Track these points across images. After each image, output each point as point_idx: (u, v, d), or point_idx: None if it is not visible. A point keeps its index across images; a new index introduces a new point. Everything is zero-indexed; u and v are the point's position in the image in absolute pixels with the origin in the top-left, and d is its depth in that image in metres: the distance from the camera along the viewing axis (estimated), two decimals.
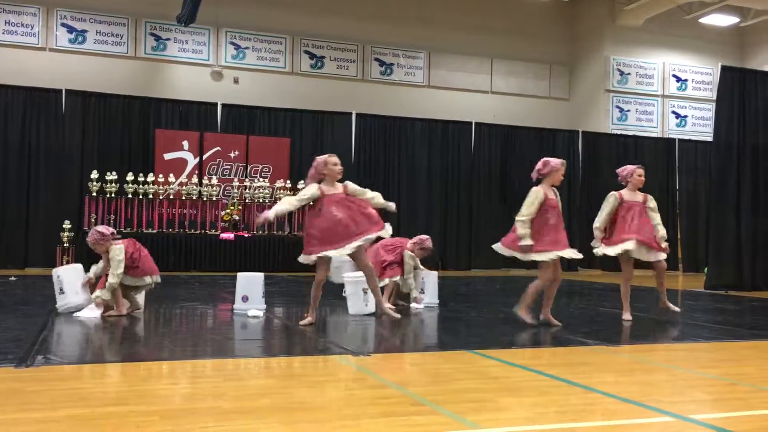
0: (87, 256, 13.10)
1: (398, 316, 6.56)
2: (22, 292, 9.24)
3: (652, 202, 7.18)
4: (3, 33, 15.15)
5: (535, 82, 19.20)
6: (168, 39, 16.20)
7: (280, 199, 14.51)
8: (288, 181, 14.80)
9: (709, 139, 14.64)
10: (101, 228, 6.87)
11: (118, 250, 6.64)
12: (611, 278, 14.40)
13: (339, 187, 6.27)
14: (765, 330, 6.73)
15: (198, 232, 13.96)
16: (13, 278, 11.10)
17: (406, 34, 17.98)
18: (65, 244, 13.37)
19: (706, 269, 12.18)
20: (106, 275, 6.68)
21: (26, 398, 3.52)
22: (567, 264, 16.85)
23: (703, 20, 19.22)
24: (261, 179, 14.79)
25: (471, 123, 17.25)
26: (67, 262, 13.30)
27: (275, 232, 14.48)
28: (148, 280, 6.90)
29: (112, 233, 6.83)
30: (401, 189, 16.41)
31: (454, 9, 18.23)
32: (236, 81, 16.63)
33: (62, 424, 3.07)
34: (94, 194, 13.47)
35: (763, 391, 4.05)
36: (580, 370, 4.52)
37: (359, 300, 6.95)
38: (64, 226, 13.39)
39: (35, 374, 4.06)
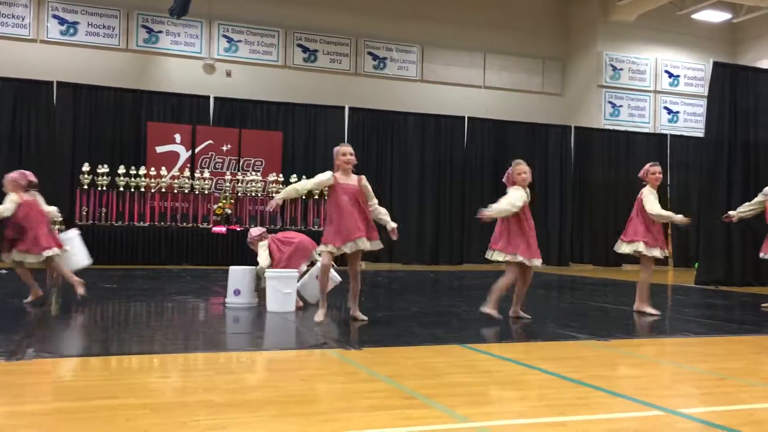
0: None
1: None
2: (13, 285, 9.20)
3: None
4: None
5: (527, 77, 19.21)
6: (160, 31, 16.12)
7: (274, 192, 14.56)
8: (280, 175, 14.77)
9: (701, 134, 14.68)
10: (17, 174, 6.87)
11: (12, 197, 6.64)
12: (602, 273, 14.46)
13: (353, 179, 6.19)
14: (754, 325, 6.78)
15: (190, 225, 13.92)
16: (3, 271, 11.05)
17: (400, 28, 17.96)
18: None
19: (696, 264, 12.25)
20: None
21: (17, 391, 3.51)
22: (558, 258, 16.99)
23: (696, 16, 19.27)
24: (253, 173, 14.76)
25: (464, 117, 17.25)
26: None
27: (268, 226, 14.44)
28: (30, 259, 6.63)
29: (24, 182, 6.81)
30: (393, 183, 16.41)
31: (447, 3, 18.21)
32: (229, 74, 16.57)
33: (52, 417, 3.07)
34: (86, 187, 13.42)
35: (752, 385, 4.08)
36: (570, 364, 4.54)
37: (279, 297, 6.71)
38: (54, 219, 13.32)
39: (26, 367, 4.05)
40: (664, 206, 7.60)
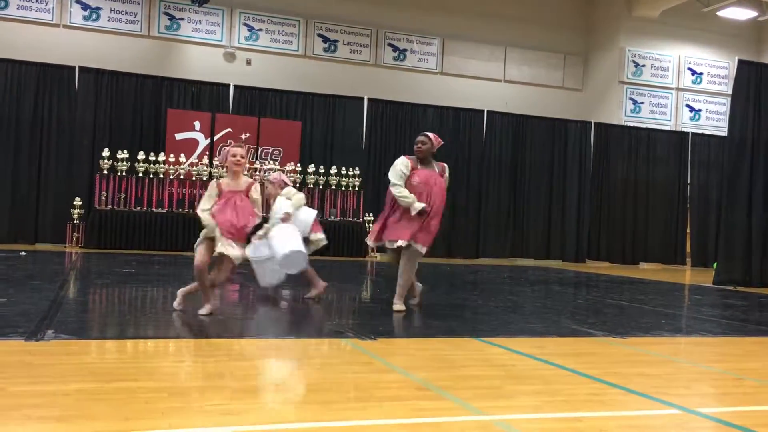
0: (97, 235, 13.22)
1: None
2: (32, 267, 9.32)
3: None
4: (18, 9, 15.15)
5: (548, 72, 19.08)
6: (182, 18, 16.17)
7: (291, 181, 14.58)
8: (298, 164, 14.81)
9: (723, 133, 14.54)
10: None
11: None
12: (619, 270, 14.38)
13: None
14: None
15: None
16: (23, 253, 11.19)
17: (420, 19, 17.88)
18: (75, 221, 13.45)
19: (715, 264, 12.14)
20: None
21: (36, 371, 3.55)
22: (575, 255, 16.91)
23: (721, 13, 19.02)
24: (271, 161, 14.80)
25: (483, 111, 17.17)
26: (77, 240, 13.40)
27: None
28: None
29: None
30: None
31: None
32: (249, 63, 16.60)
33: (72, 398, 3.10)
34: (105, 172, 13.52)
35: None
36: (586, 361, 4.52)
37: (266, 273, 6.67)
38: (74, 203, 13.46)
39: (45, 348, 4.10)
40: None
